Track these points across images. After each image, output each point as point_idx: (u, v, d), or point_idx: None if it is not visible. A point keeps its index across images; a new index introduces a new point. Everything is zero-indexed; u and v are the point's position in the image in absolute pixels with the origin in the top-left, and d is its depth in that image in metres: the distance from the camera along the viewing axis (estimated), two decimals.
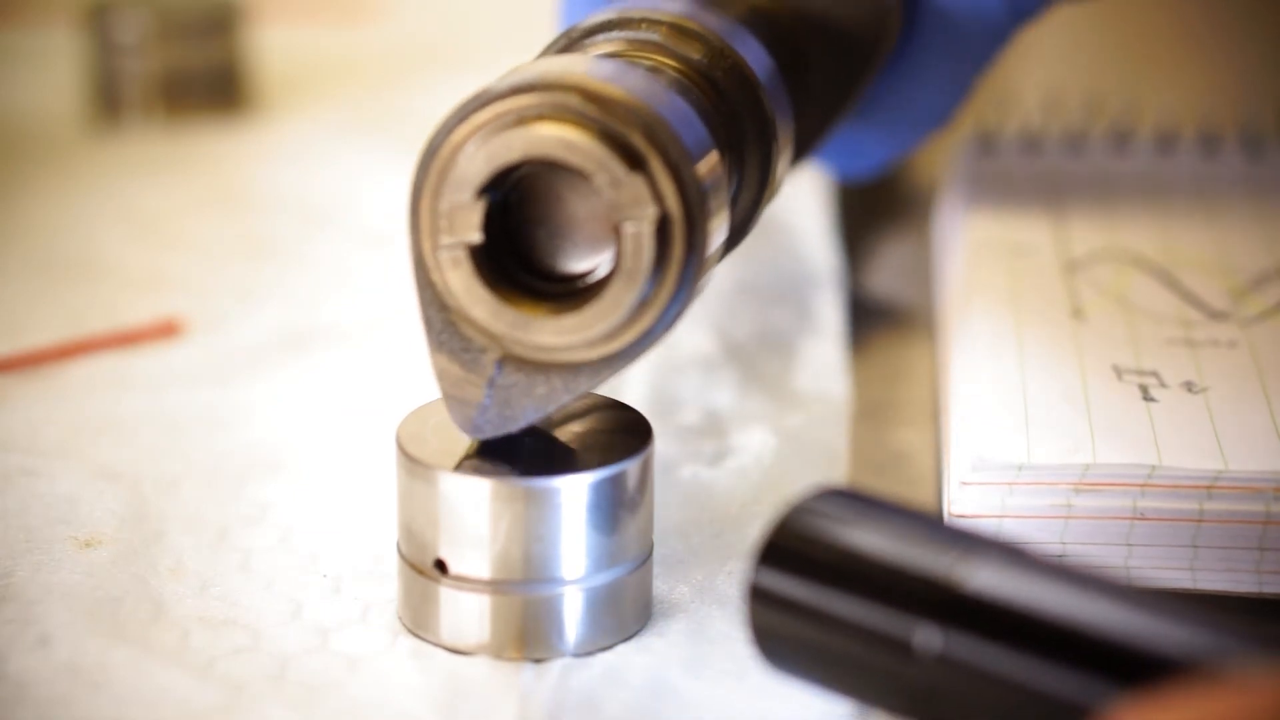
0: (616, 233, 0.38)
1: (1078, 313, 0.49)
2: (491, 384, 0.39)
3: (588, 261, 0.39)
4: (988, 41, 0.53)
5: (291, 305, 0.57)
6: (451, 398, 0.39)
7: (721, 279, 0.57)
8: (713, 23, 0.44)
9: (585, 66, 0.39)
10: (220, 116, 0.72)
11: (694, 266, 0.38)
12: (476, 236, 0.38)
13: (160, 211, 0.64)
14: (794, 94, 0.47)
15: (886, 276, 0.59)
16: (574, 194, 0.39)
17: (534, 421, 0.39)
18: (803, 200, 0.63)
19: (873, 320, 0.56)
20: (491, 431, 0.39)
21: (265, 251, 0.61)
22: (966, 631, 0.33)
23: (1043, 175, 0.58)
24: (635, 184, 0.37)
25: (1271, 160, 0.60)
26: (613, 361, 0.38)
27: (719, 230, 0.39)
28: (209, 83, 0.72)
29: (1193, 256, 0.53)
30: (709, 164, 0.39)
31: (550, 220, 0.39)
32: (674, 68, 0.43)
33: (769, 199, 0.45)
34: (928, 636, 0.33)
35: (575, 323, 0.38)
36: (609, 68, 0.39)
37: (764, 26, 0.47)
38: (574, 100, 0.38)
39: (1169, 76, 0.76)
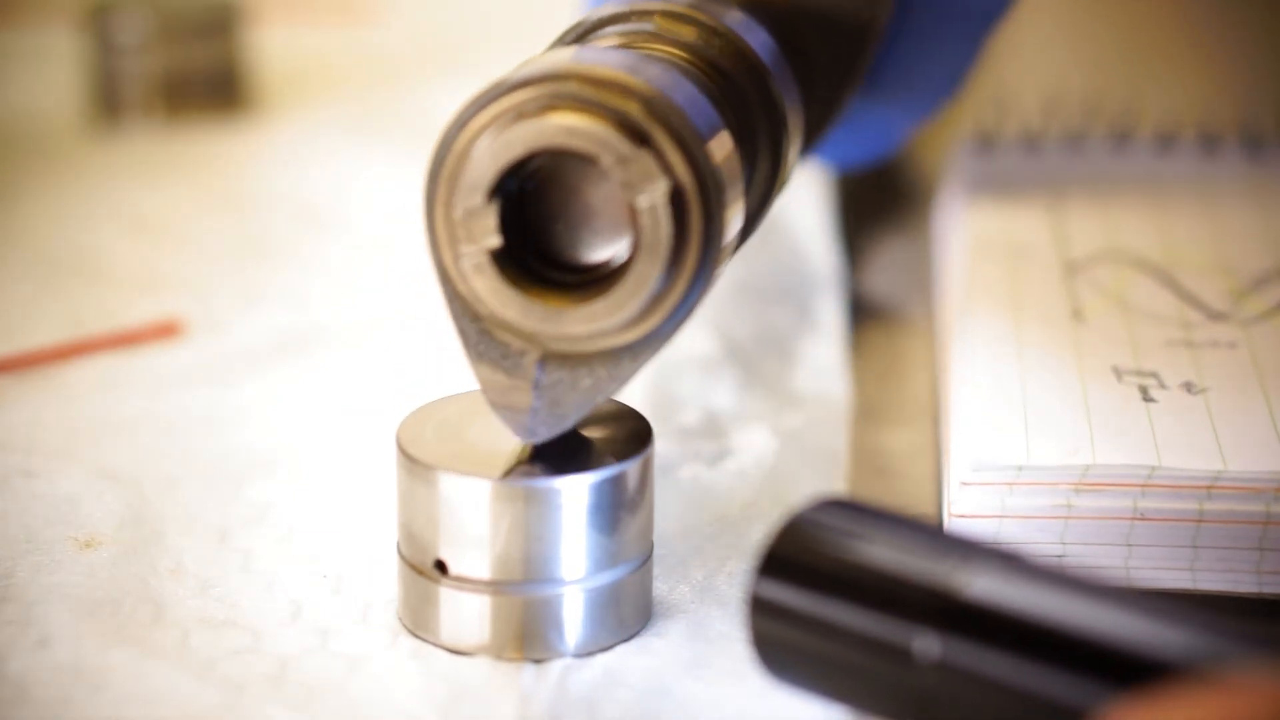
0: (633, 213, 0.38)
1: (1077, 314, 0.49)
2: (537, 386, 0.39)
3: (609, 249, 0.39)
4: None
5: (291, 305, 0.57)
6: (500, 406, 0.39)
7: (722, 279, 0.57)
8: (718, 11, 0.44)
9: (587, 56, 0.39)
10: (220, 117, 0.72)
11: (714, 238, 0.38)
12: (495, 240, 0.38)
13: (160, 212, 0.64)
14: (799, 80, 0.47)
15: (886, 277, 0.59)
16: (587, 182, 0.39)
17: (585, 415, 0.39)
18: (803, 199, 0.63)
19: (872, 320, 0.56)
20: (546, 434, 0.39)
21: (265, 251, 0.61)
22: (965, 638, 0.33)
23: (1042, 175, 0.58)
24: (642, 159, 0.37)
25: (1271, 160, 0.60)
26: (649, 342, 0.38)
27: (735, 204, 0.39)
28: (209, 83, 0.72)
29: (1192, 257, 0.53)
30: (719, 140, 0.39)
31: (568, 212, 0.39)
32: (682, 57, 0.43)
33: (780, 187, 0.45)
34: (927, 643, 0.33)
35: (605, 307, 0.38)
36: (611, 55, 0.39)
37: (762, 14, 0.47)
38: (573, 87, 0.38)
39: (1169, 76, 0.76)
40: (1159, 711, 0.29)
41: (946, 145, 0.63)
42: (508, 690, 0.38)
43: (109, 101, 0.71)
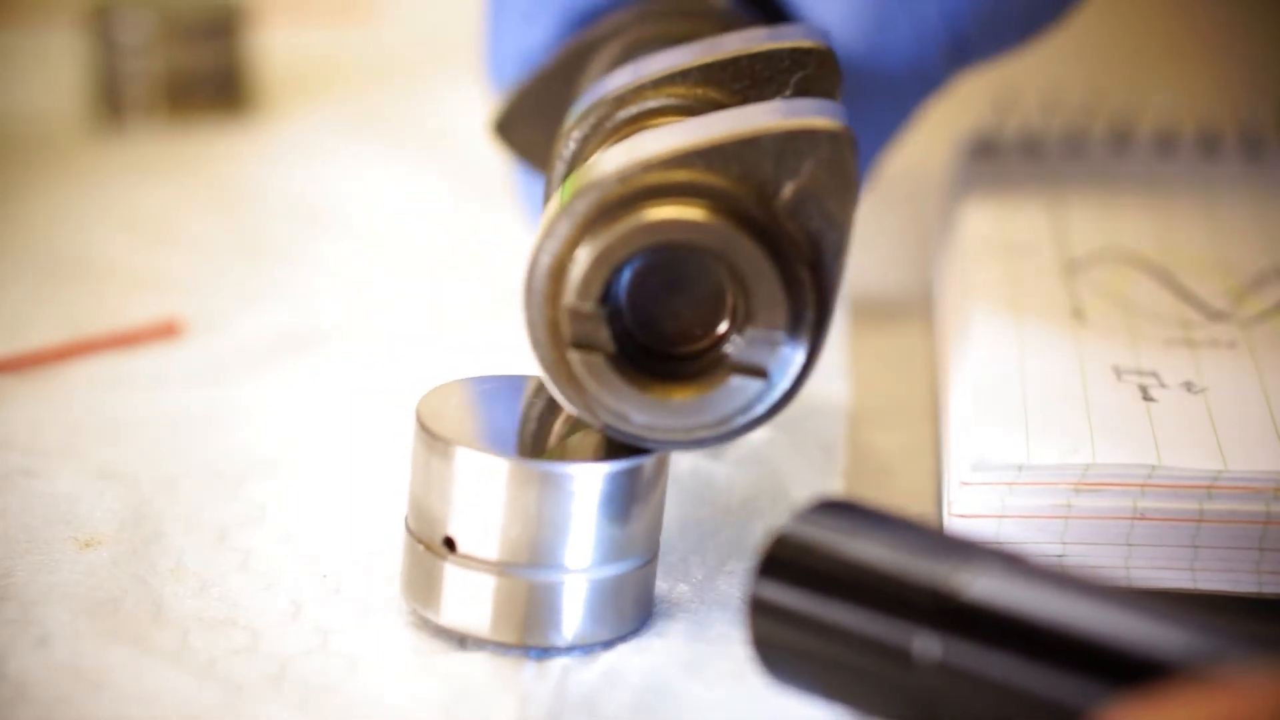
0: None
1: (1077, 313, 0.49)
2: None
3: (715, 328, 0.39)
4: (919, 91, 0.53)
5: (291, 305, 0.57)
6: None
7: None
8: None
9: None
10: (223, 117, 0.72)
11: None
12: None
13: (162, 212, 0.64)
14: None
15: (886, 276, 0.59)
16: (689, 268, 0.39)
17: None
18: None
19: (872, 320, 0.56)
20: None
21: (265, 251, 0.61)
22: (965, 639, 0.33)
23: (1043, 175, 0.58)
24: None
25: (1271, 160, 0.60)
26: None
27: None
28: (212, 84, 0.72)
29: (1192, 256, 0.53)
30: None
31: (670, 300, 0.39)
32: None
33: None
34: (927, 644, 0.33)
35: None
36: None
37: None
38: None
39: (1169, 76, 0.76)
40: (1159, 711, 0.29)
41: (947, 144, 0.63)
42: (508, 690, 0.38)
43: (111, 101, 0.71)
